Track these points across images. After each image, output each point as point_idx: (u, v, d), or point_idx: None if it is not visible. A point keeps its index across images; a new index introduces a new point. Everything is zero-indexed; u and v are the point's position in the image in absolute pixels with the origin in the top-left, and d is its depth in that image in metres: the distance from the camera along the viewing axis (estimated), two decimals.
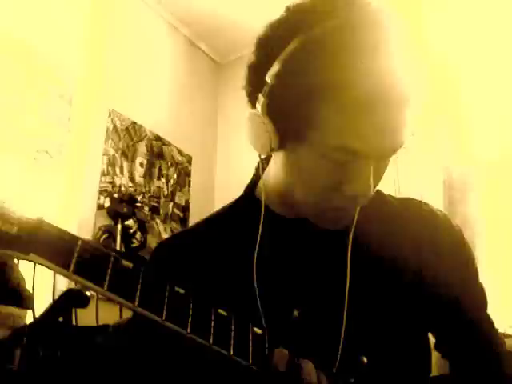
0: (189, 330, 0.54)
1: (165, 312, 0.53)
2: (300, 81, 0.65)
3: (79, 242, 0.50)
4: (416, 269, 0.78)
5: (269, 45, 0.69)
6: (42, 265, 0.48)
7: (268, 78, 0.67)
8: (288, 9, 0.69)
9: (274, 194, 0.79)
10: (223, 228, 0.83)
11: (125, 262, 0.53)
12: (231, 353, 0.57)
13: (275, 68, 0.66)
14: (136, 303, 0.51)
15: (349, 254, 0.75)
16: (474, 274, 0.84)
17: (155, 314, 0.52)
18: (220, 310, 0.59)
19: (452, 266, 0.80)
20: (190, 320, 0.55)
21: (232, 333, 0.58)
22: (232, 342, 0.57)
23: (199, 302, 0.57)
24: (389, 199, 0.86)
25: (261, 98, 0.69)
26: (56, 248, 0.49)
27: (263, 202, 0.79)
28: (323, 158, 0.66)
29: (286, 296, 0.74)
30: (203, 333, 0.55)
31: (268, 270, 0.75)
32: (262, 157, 0.78)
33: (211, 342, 0.55)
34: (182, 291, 0.56)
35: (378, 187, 0.78)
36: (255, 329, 0.61)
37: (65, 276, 0.49)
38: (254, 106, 0.71)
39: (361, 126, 0.64)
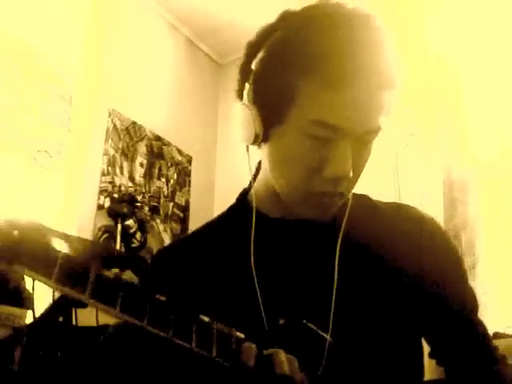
0: (171, 334, 0.55)
1: (146, 318, 0.54)
2: (282, 62, 0.68)
3: (61, 254, 0.51)
4: (403, 271, 0.78)
5: (255, 43, 0.73)
6: (26, 274, 0.49)
7: (254, 66, 0.71)
8: (276, 17, 0.74)
9: (265, 194, 0.80)
10: (217, 234, 0.84)
11: (107, 272, 0.54)
12: (214, 355, 0.58)
13: (260, 55, 0.71)
14: (118, 309, 0.53)
15: (337, 259, 0.76)
16: (462, 276, 0.84)
17: (137, 320, 0.54)
18: (202, 316, 0.59)
19: (439, 267, 0.80)
20: (172, 325, 0.56)
21: (214, 337, 0.58)
22: (214, 345, 0.58)
23: (181, 308, 0.58)
24: (376, 203, 0.86)
25: (247, 86, 0.72)
26: (39, 258, 0.50)
27: (254, 205, 0.80)
28: (303, 135, 0.68)
29: (275, 300, 0.74)
30: (185, 337, 0.56)
31: (260, 274, 0.75)
32: (249, 146, 0.79)
33: (193, 345, 0.56)
34: (163, 298, 0.57)
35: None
36: (238, 334, 0.61)
37: (47, 285, 0.50)
38: (241, 100, 0.75)
39: (338, 102, 0.66)
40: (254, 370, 0.58)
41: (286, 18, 0.72)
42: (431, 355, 0.84)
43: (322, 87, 0.65)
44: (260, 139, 0.73)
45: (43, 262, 0.50)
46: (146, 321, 0.54)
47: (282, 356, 0.60)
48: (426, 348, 0.83)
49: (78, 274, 0.52)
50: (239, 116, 0.74)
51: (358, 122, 0.67)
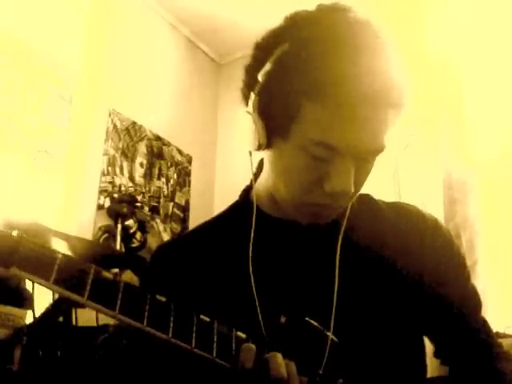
0: (170, 335, 0.55)
1: (146, 319, 0.54)
2: (288, 78, 0.68)
3: (59, 255, 0.51)
4: (405, 270, 0.78)
5: (264, 47, 0.73)
6: (24, 277, 0.49)
7: (260, 77, 0.71)
8: (285, 18, 0.73)
9: (266, 195, 0.81)
10: (218, 232, 0.85)
11: (105, 274, 0.54)
12: (214, 355, 0.57)
13: (267, 67, 0.70)
14: (117, 311, 0.52)
15: (337, 258, 0.76)
16: (464, 274, 0.84)
17: (136, 321, 0.53)
18: (202, 316, 0.59)
19: (441, 266, 0.80)
20: (171, 326, 0.55)
21: (214, 337, 0.58)
22: (214, 345, 0.58)
23: (181, 308, 0.57)
24: (378, 203, 0.87)
25: (252, 96, 0.72)
26: (37, 261, 0.50)
27: (254, 204, 0.81)
28: (304, 153, 0.69)
29: (276, 299, 0.74)
30: (185, 338, 0.56)
31: (259, 273, 0.75)
32: (253, 152, 0.79)
33: (193, 345, 0.56)
34: (163, 299, 0.56)
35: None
36: (239, 333, 0.61)
37: (46, 287, 0.50)
38: (247, 105, 0.74)
39: (340, 123, 0.66)
40: (250, 372, 0.58)
41: (295, 25, 0.71)
42: (436, 355, 0.84)
43: (324, 108, 0.65)
44: (263, 147, 0.74)
45: (41, 264, 0.50)
46: (145, 322, 0.53)
47: (280, 359, 0.60)
48: (430, 347, 0.83)
49: (76, 275, 0.51)
50: (243, 122, 0.75)
51: (359, 143, 0.67)
